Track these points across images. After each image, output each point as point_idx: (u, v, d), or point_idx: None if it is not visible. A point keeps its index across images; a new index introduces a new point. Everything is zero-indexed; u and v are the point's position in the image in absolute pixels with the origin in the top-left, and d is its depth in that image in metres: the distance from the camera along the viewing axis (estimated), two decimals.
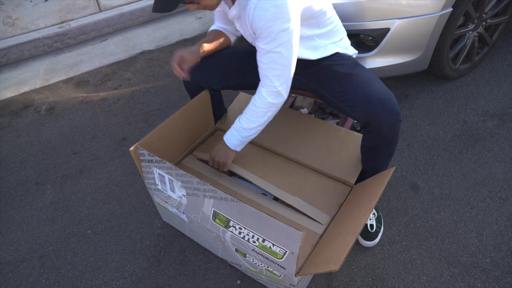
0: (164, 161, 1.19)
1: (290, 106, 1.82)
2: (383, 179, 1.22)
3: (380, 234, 1.49)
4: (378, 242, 1.49)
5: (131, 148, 1.25)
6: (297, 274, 1.11)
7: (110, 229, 1.64)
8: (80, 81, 2.61)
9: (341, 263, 0.95)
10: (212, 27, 1.52)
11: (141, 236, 1.59)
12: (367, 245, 1.47)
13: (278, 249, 1.08)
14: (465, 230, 1.51)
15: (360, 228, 1.05)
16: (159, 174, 1.26)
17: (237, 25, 1.33)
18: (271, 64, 1.18)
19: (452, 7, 1.78)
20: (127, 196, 1.77)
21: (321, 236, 1.29)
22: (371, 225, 1.47)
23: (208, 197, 1.15)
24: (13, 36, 2.94)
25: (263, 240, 1.10)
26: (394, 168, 1.26)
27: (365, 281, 1.39)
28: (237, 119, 1.35)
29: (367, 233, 1.47)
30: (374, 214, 1.50)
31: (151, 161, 1.24)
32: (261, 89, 1.25)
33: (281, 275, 1.18)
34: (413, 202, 1.63)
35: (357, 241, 1.49)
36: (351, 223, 1.15)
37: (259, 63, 1.22)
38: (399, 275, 1.39)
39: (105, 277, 1.47)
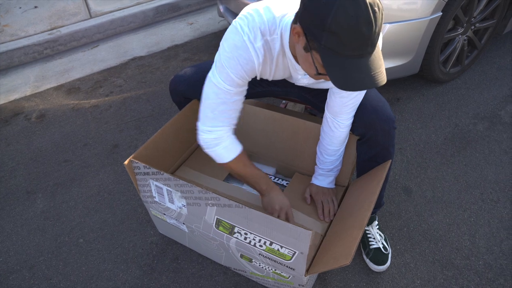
0: (161, 172, 1.18)
1: None
2: (381, 172, 1.22)
3: (390, 256, 1.45)
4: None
5: (125, 162, 1.23)
6: (306, 273, 1.11)
7: (102, 238, 1.61)
8: (71, 88, 2.59)
9: (351, 257, 0.96)
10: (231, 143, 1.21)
11: (134, 244, 1.58)
12: (379, 269, 1.41)
13: (287, 250, 1.08)
14: (458, 233, 1.52)
15: (365, 221, 1.06)
16: (156, 186, 1.25)
17: (305, 80, 1.18)
18: (356, 101, 1.19)
19: (442, 11, 1.80)
20: (119, 204, 1.75)
21: (323, 236, 1.30)
22: (384, 247, 1.43)
23: (210, 205, 1.14)
24: (2, 43, 2.91)
25: (271, 243, 1.10)
26: (390, 160, 1.27)
27: (359, 285, 1.38)
28: (318, 166, 1.40)
29: (380, 256, 1.42)
30: (381, 235, 1.46)
31: (147, 173, 1.23)
32: (339, 129, 1.26)
33: (289, 276, 1.17)
34: (406, 205, 1.63)
35: (367, 267, 1.44)
36: (355, 218, 1.16)
37: (339, 100, 1.18)
38: (393, 279, 1.39)
39: (97, 286, 1.45)
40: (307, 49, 0.86)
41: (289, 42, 1.00)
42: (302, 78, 1.15)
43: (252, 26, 0.99)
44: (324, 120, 1.30)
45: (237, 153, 1.21)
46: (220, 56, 1.04)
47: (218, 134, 1.16)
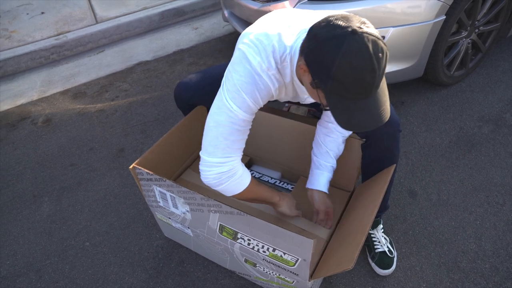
0: (164, 179, 1.18)
1: None
2: (386, 176, 1.22)
3: (395, 260, 1.45)
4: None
5: (130, 167, 1.24)
6: (310, 278, 1.11)
7: (108, 241, 1.62)
8: (77, 93, 2.62)
9: (354, 261, 0.95)
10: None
11: (140, 248, 1.58)
12: (385, 273, 1.41)
13: (290, 257, 1.08)
14: (463, 236, 1.51)
15: (368, 226, 1.05)
16: (160, 191, 1.26)
17: (311, 99, 1.18)
18: None
19: (445, 15, 1.80)
20: (125, 208, 1.76)
21: (328, 241, 1.30)
22: (389, 250, 1.43)
23: (213, 211, 1.15)
24: (10, 48, 2.95)
25: (274, 250, 1.10)
26: (395, 164, 1.27)
27: None
28: (319, 169, 1.33)
29: (386, 259, 1.41)
30: (386, 239, 1.46)
31: (150, 179, 1.23)
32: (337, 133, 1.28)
33: (293, 281, 1.17)
34: (411, 208, 1.63)
35: (372, 271, 1.43)
36: (358, 222, 1.16)
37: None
38: (398, 282, 1.39)
39: None
40: (313, 86, 0.88)
41: (296, 69, 0.99)
42: (309, 98, 1.15)
43: (266, 56, 0.96)
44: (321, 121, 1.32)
45: (250, 177, 1.13)
46: (234, 81, 0.98)
47: (231, 165, 1.05)
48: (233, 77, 0.98)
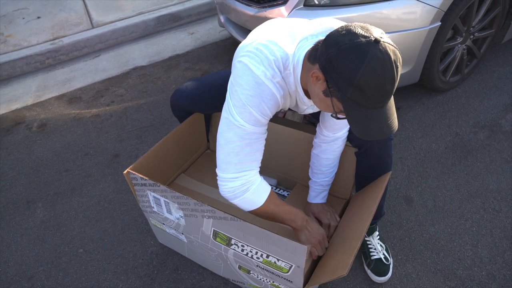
0: (158, 184, 1.17)
1: None
2: (381, 184, 1.22)
3: (391, 267, 1.44)
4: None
5: (124, 172, 1.24)
6: (304, 286, 1.10)
7: (102, 248, 1.61)
8: (72, 98, 2.60)
9: (348, 268, 0.95)
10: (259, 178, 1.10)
11: (134, 254, 1.57)
12: (381, 280, 1.40)
13: (284, 263, 1.07)
14: (460, 243, 1.51)
15: (363, 232, 1.05)
16: (154, 197, 1.25)
17: (310, 110, 1.17)
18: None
19: (441, 21, 1.81)
20: (120, 214, 1.74)
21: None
22: (385, 257, 1.42)
23: (207, 217, 1.14)
24: (5, 53, 2.94)
25: (267, 256, 1.09)
26: (390, 172, 1.27)
27: None
28: (315, 181, 1.37)
29: (381, 266, 1.40)
30: (382, 246, 1.44)
31: (145, 184, 1.23)
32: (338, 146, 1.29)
33: None
34: (407, 215, 1.62)
35: (368, 278, 1.42)
36: (353, 229, 1.15)
37: (335, 124, 1.21)
38: None
39: None
40: (327, 94, 0.88)
41: (300, 77, 0.98)
42: (308, 109, 1.14)
43: (268, 64, 0.95)
44: (318, 135, 1.31)
45: (268, 193, 1.10)
46: (239, 96, 0.96)
47: (245, 179, 1.04)
48: (237, 91, 0.97)
